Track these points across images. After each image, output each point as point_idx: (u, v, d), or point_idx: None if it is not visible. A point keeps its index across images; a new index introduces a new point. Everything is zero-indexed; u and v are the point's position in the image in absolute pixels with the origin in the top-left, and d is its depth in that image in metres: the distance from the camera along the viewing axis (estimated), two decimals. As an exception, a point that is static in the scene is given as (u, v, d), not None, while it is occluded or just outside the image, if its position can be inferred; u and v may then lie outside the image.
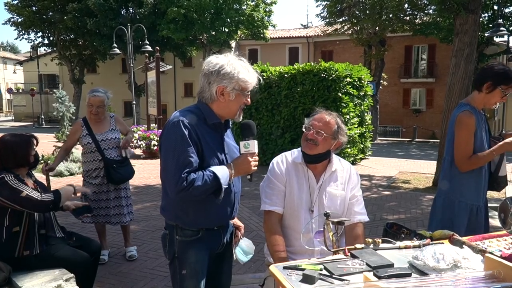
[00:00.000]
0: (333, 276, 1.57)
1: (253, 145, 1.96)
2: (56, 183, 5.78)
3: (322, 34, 26.22)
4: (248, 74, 1.93)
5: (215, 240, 2.09)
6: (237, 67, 1.90)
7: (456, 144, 2.65)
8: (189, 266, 2.00)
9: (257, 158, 2.01)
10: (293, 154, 2.38)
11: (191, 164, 1.83)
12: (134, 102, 16.61)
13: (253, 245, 2.33)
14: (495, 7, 17.34)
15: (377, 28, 19.52)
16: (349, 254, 1.78)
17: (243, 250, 2.26)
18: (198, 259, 2.02)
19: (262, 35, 23.81)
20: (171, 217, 2.03)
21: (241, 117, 2.03)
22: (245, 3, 22.46)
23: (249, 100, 1.98)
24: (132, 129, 4.21)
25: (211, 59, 1.95)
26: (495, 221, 3.54)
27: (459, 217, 2.68)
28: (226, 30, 22.66)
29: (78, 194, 3.21)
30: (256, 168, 2.01)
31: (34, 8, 25.19)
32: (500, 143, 2.63)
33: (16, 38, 36.64)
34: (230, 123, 2.12)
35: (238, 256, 2.24)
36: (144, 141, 11.76)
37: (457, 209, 2.69)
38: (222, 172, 1.88)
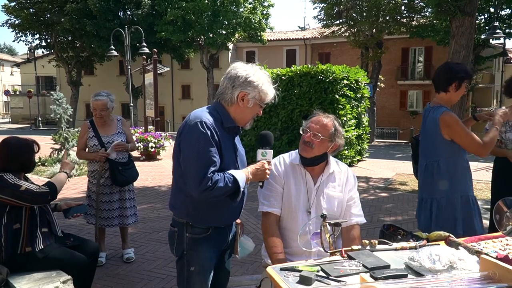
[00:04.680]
0: (330, 277, 1.58)
1: (270, 154, 2.08)
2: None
3: (319, 36, 26.30)
4: (269, 88, 2.02)
5: (222, 238, 2.13)
6: (261, 78, 2.00)
7: (462, 141, 2.75)
8: (198, 263, 2.04)
9: (271, 167, 2.12)
10: (291, 156, 2.40)
11: (215, 163, 1.89)
12: (132, 104, 16.57)
13: (253, 243, 2.37)
14: (492, 10, 17.42)
15: (374, 30, 19.57)
16: (345, 255, 1.79)
17: (243, 245, 2.31)
18: (207, 257, 2.06)
19: (259, 38, 23.84)
20: (182, 214, 2.05)
21: (250, 126, 2.12)
22: (242, 5, 22.48)
23: (261, 112, 2.07)
24: (136, 144, 4.20)
25: (238, 65, 2.03)
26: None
27: (463, 213, 2.80)
28: (224, 32, 22.68)
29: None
30: (268, 176, 2.11)
31: (31, 10, 25.13)
32: (495, 118, 2.84)
33: (13, 40, 36.48)
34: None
35: (239, 251, 2.28)
36: (141, 143, 11.72)
37: (460, 205, 2.78)
38: (240, 176, 1.95)
